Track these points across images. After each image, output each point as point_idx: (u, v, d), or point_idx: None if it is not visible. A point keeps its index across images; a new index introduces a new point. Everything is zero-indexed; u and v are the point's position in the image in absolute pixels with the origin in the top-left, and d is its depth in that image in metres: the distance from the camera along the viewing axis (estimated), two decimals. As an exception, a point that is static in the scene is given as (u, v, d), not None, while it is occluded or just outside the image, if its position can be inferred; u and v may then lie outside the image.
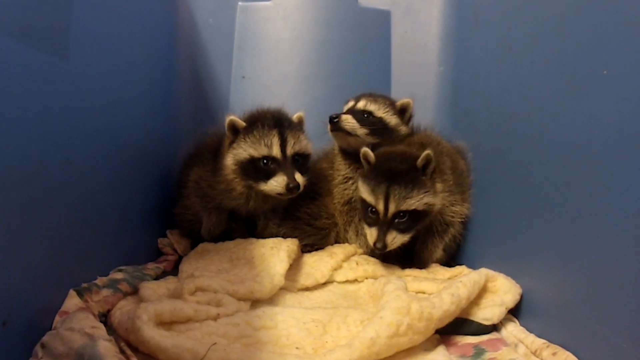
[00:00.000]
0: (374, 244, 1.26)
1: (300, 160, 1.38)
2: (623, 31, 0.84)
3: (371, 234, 1.29)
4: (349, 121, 1.42)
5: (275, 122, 1.36)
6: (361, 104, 1.48)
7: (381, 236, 1.25)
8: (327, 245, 1.51)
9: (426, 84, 1.86)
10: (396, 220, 1.27)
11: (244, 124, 1.37)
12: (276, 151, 1.33)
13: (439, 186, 1.33)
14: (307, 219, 1.50)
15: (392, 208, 1.25)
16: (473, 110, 1.53)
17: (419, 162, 1.27)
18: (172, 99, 1.67)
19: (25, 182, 0.84)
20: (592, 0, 0.93)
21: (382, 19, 1.94)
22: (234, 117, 1.37)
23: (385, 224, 1.26)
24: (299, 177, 1.32)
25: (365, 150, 1.34)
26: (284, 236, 1.45)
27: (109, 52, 1.17)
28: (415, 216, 1.27)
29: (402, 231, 1.27)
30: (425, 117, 1.65)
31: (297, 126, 1.42)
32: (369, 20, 1.94)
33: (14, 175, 0.80)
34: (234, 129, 1.37)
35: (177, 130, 1.69)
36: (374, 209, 1.29)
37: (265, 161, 1.32)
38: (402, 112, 1.51)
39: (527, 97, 1.15)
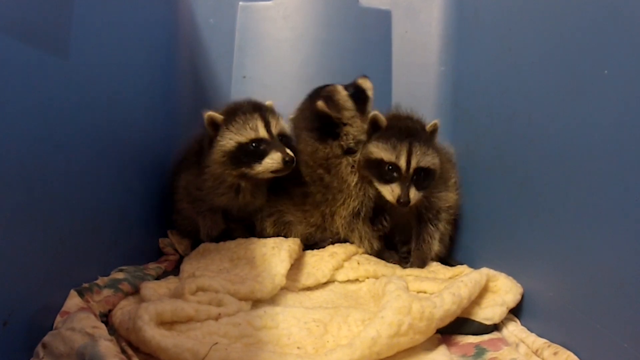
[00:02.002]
0: (398, 199, 1.30)
1: (285, 140, 1.40)
2: (623, 31, 0.84)
3: (392, 190, 1.32)
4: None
5: (254, 107, 1.40)
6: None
7: (405, 191, 1.30)
8: (295, 233, 1.51)
9: (426, 84, 1.86)
10: (415, 177, 1.32)
11: (222, 117, 1.38)
12: (262, 132, 1.35)
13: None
14: (282, 212, 1.51)
15: (414, 163, 1.31)
16: (473, 111, 1.53)
17: (428, 127, 1.37)
18: (172, 99, 1.67)
19: (25, 182, 0.84)
20: (592, 0, 0.93)
21: (383, 18, 1.94)
22: (211, 112, 1.37)
23: (407, 180, 1.31)
24: (290, 152, 1.34)
25: (376, 114, 1.38)
26: (274, 234, 1.47)
27: (110, 52, 1.17)
28: (427, 175, 1.34)
29: (420, 188, 1.33)
30: (425, 117, 1.64)
31: (274, 110, 1.45)
32: (370, 20, 1.94)
33: (14, 175, 0.80)
34: (214, 124, 1.38)
35: (177, 130, 1.69)
36: (391, 166, 1.32)
37: (254, 144, 1.34)
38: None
39: (527, 97, 1.15)
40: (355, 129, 1.43)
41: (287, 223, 1.51)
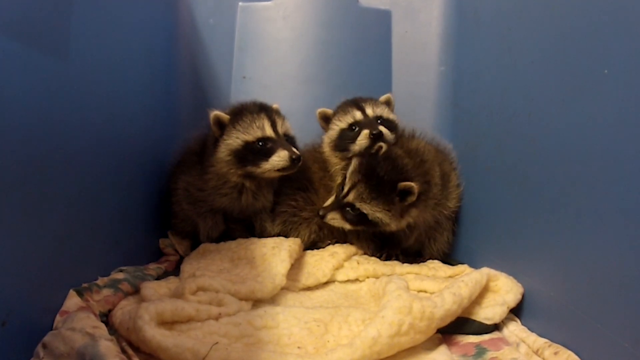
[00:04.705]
0: (319, 209, 1.41)
1: (290, 140, 1.43)
2: (623, 31, 0.84)
3: (327, 201, 1.43)
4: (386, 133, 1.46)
5: (260, 107, 1.42)
6: (370, 111, 1.50)
7: (328, 209, 1.39)
8: (303, 233, 1.53)
9: (426, 84, 1.86)
10: (347, 208, 1.36)
11: (228, 116, 1.39)
12: (269, 131, 1.37)
13: (413, 212, 1.34)
14: (293, 211, 1.53)
15: (349, 198, 1.35)
16: (473, 110, 1.53)
17: (401, 186, 1.29)
18: (172, 99, 1.67)
19: (25, 182, 0.83)
20: (592, 0, 0.93)
21: (383, 18, 1.94)
22: (218, 111, 1.39)
23: (337, 204, 1.38)
24: (296, 151, 1.36)
25: (381, 145, 1.41)
26: (281, 233, 1.48)
27: (109, 53, 1.17)
28: (363, 218, 1.34)
29: (345, 219, 1.37)
30: (425, 117, 1.65)
31: (280, 112, 1.48)
32: (370, 20, 1.94)
33: (14, 175, 0.80)
34: (220, 124, 1.39)
35: (177, 131, 1.68)
36: (342, 187, 1.39)
37: (260, 143, 1.36)
38: (388, 104, 1.59)
39: (527, 97, 1.15)
40: None
41: (295, 222, 1.52)
